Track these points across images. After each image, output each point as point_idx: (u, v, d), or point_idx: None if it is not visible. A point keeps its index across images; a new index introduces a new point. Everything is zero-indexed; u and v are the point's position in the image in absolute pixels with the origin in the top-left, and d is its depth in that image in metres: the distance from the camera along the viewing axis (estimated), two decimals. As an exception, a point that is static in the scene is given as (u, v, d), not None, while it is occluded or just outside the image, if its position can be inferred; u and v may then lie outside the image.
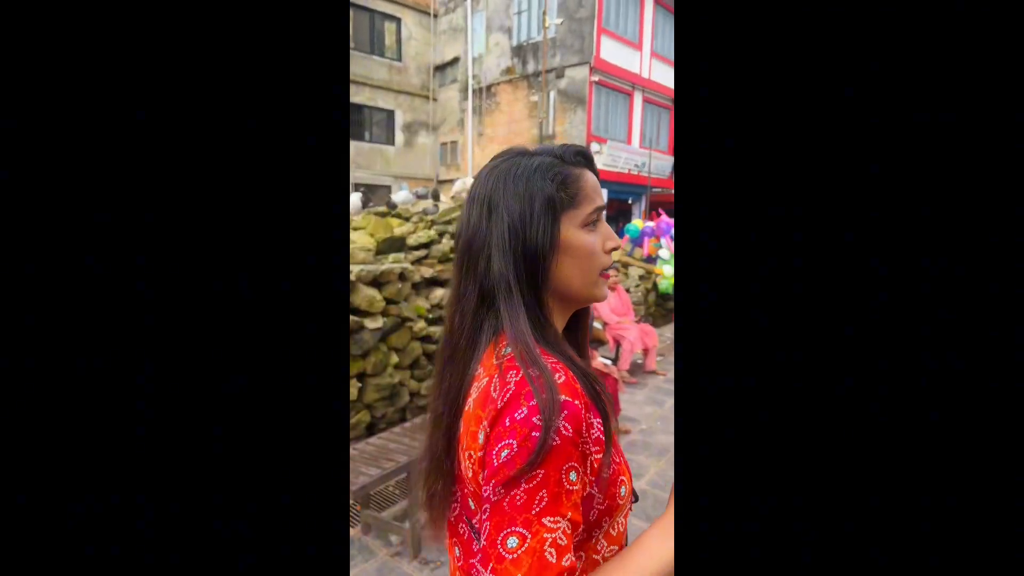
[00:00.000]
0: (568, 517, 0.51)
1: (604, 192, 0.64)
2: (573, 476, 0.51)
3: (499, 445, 0.52)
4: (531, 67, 13.08)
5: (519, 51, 13.24)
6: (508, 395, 0.53)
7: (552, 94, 12.80)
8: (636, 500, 0.59)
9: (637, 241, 7.94)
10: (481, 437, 0.55)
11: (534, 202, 0.58)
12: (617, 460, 0.57)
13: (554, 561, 0.48)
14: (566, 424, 0.51)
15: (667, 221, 7.55)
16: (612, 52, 12.51)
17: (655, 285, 7.49)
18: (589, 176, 0.61)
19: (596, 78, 12.31)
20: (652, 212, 9.42)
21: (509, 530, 0.50)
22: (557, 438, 0.50)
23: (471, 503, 0.59)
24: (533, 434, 0.50)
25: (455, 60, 15.15)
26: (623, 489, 0.57)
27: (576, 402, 0.53)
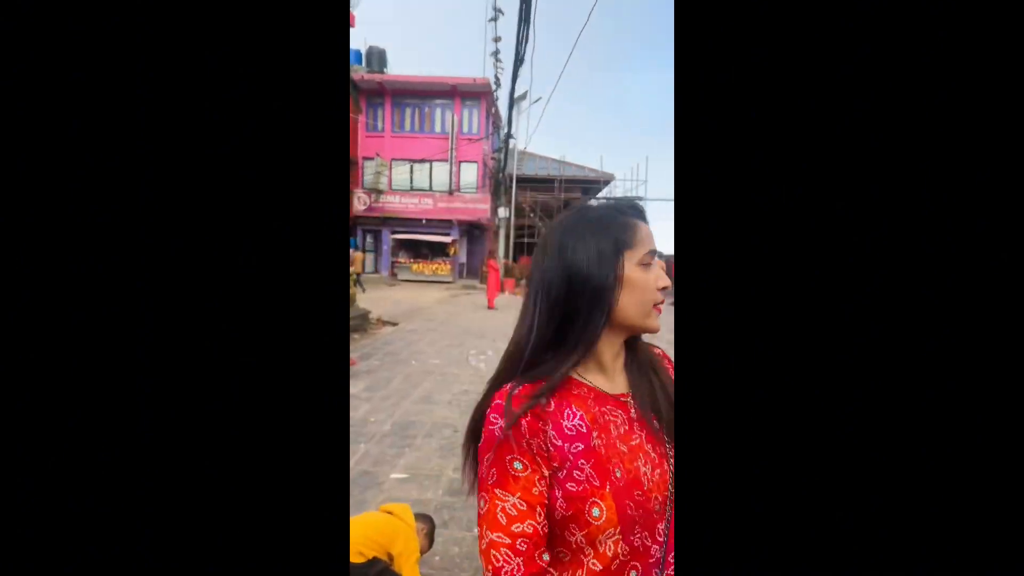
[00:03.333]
0: (518, 496, 0.64)
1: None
2: (517, 465, 0.66)
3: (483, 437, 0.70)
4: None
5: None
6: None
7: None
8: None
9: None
10: None
11: (602, 245, 0.69)
12: (589, 483, 0.65)
13: (504, 523, 0.63)
14: (510, 429, 0.66)
15: None
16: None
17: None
18: (643, 226, 0.72)
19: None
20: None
21: (479, 495, 0.68)
22: (502, 435, 0.66)
23: None
24: (490, 427, 0.68)
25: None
26: (596, 511, 0.64)
27: (524, 417, 0.67)
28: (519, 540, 0.61)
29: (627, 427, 0.69)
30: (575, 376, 0.71)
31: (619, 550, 0.64)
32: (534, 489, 0.64)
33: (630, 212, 0.73)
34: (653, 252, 0.70)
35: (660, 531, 0.64)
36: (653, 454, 0.68)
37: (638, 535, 0.64)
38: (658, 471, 0.66)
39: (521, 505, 0.63)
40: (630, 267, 0.69)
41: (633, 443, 0.68)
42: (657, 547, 0.65)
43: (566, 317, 0.69)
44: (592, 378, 0.72)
